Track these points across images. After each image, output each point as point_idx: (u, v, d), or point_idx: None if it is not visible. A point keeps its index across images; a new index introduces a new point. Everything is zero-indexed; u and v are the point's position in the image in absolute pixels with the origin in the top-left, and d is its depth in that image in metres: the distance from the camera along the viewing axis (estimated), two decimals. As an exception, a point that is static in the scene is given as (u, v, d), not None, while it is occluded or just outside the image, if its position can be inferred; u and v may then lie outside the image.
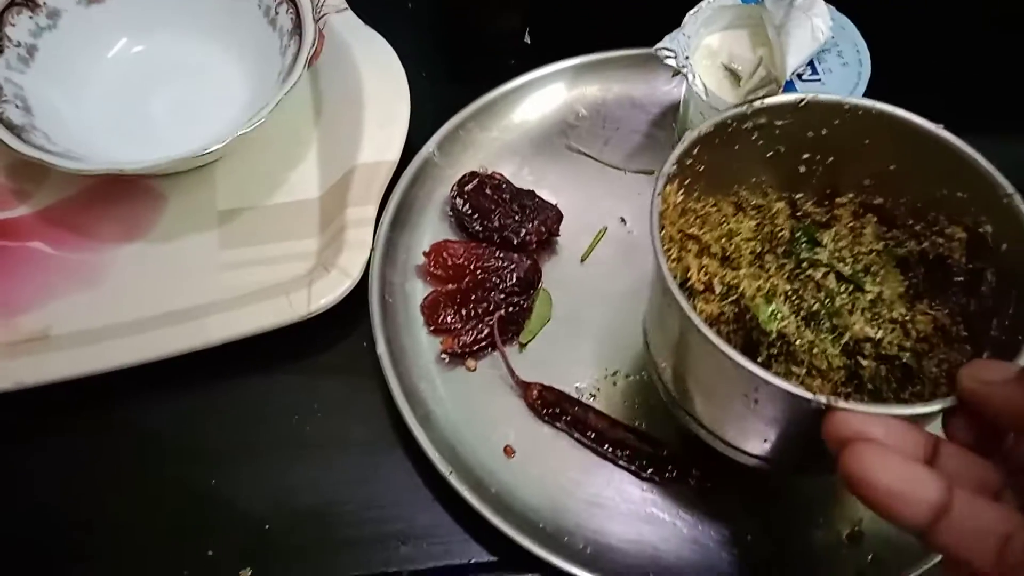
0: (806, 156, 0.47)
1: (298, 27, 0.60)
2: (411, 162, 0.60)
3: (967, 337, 0.44)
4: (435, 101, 0.64)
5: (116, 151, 0.59)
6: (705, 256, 0.46)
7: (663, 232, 0.46)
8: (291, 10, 0.61)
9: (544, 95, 0.65)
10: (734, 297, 0.44)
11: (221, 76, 0.64)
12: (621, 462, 0.51)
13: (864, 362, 0.43)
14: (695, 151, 0.44)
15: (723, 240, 0.46)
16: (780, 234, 0.48)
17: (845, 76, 0.54)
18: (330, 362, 0.55)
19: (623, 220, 0.60)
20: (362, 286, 0.55)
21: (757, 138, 0.46)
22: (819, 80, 0.54)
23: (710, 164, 0.45)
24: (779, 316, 0.44)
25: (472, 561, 0.49)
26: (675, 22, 0.56)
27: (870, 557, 0.47)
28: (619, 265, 0.58)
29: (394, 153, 0.59)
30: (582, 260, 0.59)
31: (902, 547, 0.47)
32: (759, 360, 0.41)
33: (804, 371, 0.43)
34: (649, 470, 0.50)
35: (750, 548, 0.48)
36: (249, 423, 0.53)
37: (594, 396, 0.53)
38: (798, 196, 0.49)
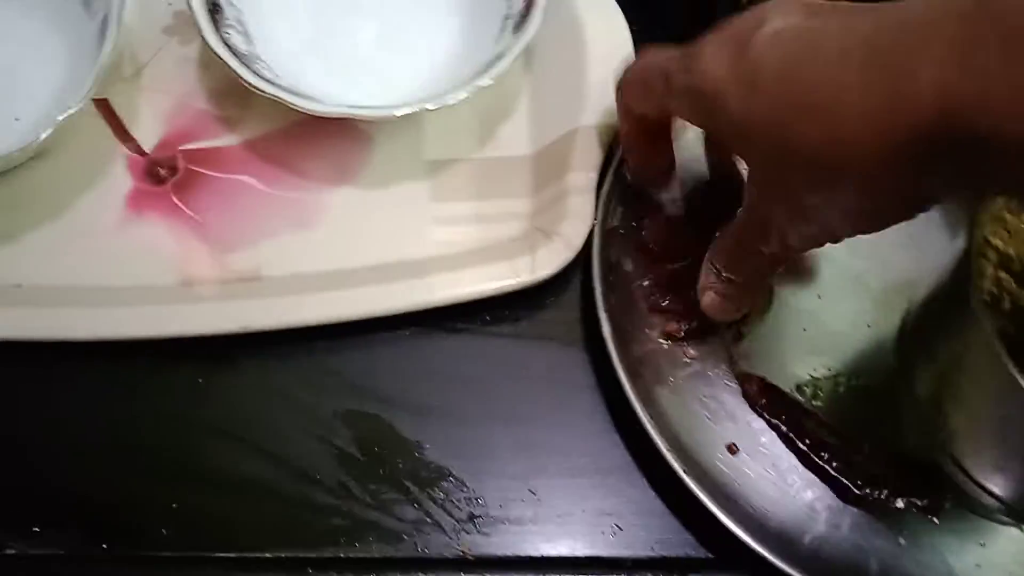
0: None
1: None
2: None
3: None
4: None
5: (322, 84, 0.57)
6: (1002, 270, 0.43)
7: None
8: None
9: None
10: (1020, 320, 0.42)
11: (430, 15, 0.61)
12: (837, 475, 0.49)
13: None
14: None
15: None
16: None
17: None
18: (536, 331, 0.53)
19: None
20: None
21: None
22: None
23: None
24: None
25: (688, 555, 0.48)
26: None
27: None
28: (846, 255, 0.55)
29: (615, 116, 0.56)
30: (803, 248, 0.56)
31: None
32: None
33: None
34: (865, 490, 0.48)
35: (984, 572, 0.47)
36: (451, 387, 0.51)
37: (816, 397, 0.51)
38: None
